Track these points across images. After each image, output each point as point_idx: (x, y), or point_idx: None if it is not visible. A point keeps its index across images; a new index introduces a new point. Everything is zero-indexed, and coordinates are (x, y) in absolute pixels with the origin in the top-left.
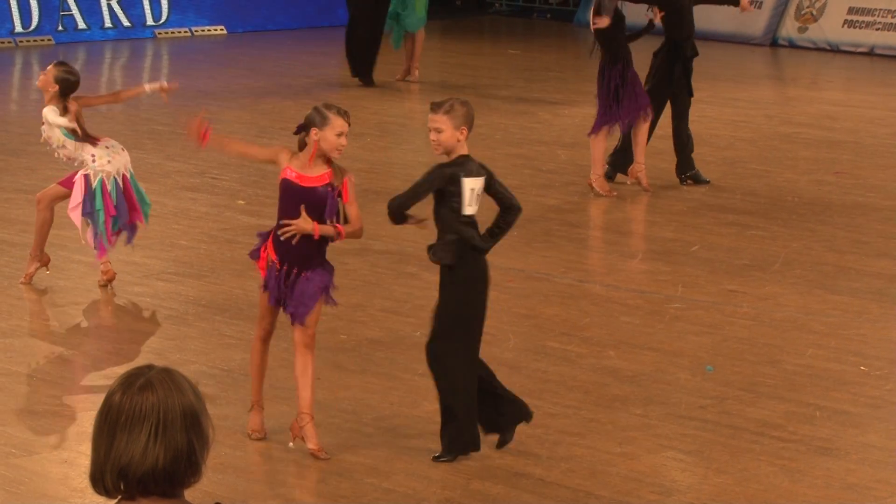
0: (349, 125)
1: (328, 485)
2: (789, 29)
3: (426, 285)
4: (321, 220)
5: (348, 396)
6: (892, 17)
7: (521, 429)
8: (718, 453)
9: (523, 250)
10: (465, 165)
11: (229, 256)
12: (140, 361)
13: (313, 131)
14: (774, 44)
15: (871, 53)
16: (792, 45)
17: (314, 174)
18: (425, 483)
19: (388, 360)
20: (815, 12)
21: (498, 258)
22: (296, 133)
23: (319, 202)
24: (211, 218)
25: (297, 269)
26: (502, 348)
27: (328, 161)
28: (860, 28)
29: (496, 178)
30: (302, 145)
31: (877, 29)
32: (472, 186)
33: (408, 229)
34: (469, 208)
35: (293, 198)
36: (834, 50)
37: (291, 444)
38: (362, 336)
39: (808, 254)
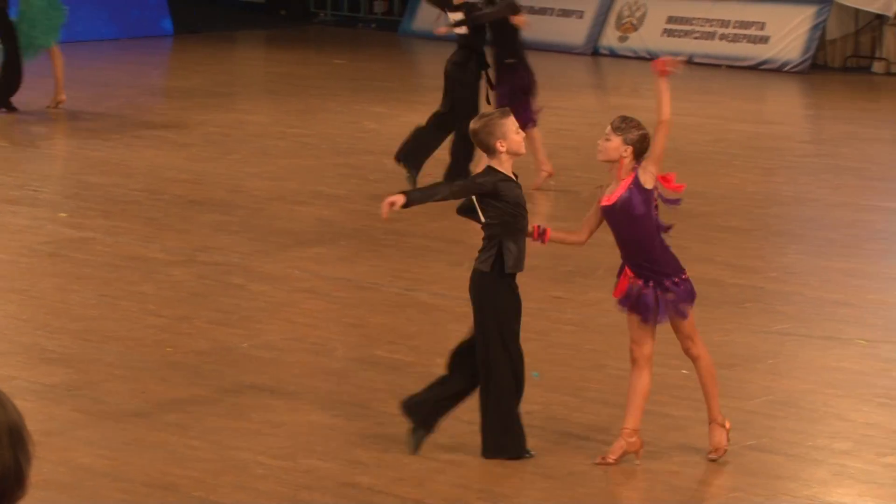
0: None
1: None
2: (610, 38)
3: (252, 296)
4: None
5: (175, 409)
6: (710, 27)
7: (346, 436)
8: (545, 458)
9: (351, 260)
10: None
11: (51, 270)
12: None
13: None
14: (596, 53)
15: (689, 62)
16: (613, 54)
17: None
18: (253, 495)
19: (216, 373)
20: (634, 21)
21: (325, 268)
22: None
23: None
24: (32, 231)
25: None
26: (330, 358)
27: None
28: (679, 37)
29: None
30: None
31: (695, 38)
32: None
33: (230, 241)
34: None
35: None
36: (654, 58)
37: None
38: (189, 348)
39: None
